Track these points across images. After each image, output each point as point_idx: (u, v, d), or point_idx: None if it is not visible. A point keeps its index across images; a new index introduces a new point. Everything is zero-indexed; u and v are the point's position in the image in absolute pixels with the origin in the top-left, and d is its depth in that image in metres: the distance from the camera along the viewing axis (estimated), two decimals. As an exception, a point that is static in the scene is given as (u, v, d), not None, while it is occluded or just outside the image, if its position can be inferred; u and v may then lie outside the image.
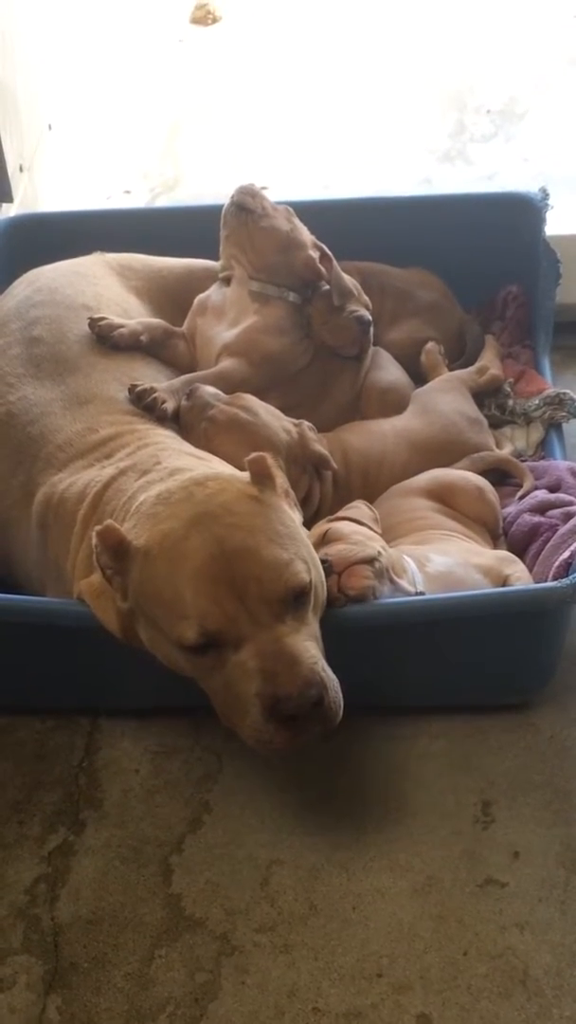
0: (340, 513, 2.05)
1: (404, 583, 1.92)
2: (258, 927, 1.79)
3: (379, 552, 1.91)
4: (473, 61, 3.67)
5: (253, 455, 1.83)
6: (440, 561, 1.99)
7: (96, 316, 2.25)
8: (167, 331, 2.37)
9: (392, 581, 1.91)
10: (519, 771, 1.96)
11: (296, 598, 1.72)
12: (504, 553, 2.08)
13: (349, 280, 2.46)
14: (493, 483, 2.28)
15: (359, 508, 2.06)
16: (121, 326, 2.26)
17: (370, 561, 1.89)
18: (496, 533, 2.21)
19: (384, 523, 2.12)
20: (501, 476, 2.32)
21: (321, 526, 1.98)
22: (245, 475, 1.83)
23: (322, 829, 1.90)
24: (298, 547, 1.77)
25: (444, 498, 2.19)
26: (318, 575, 1.81)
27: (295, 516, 1.85)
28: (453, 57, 3.70)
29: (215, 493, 1.78)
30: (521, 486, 2.29)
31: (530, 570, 2.08)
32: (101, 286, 2.39)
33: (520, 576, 2.02)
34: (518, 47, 3.72)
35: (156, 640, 1.78)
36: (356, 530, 1.96)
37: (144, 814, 1.95)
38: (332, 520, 2.01)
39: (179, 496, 1.79)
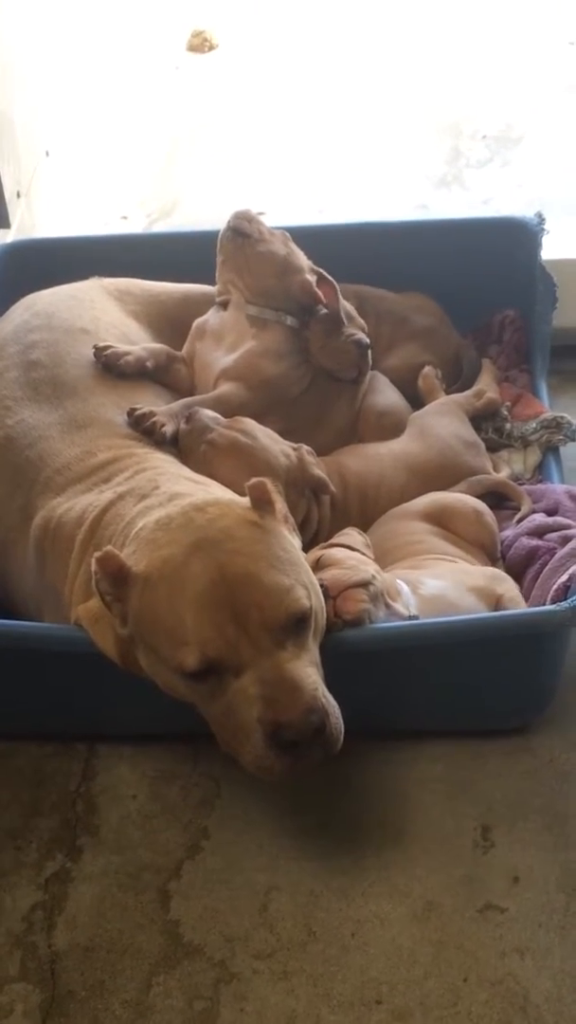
0: (333, 540, 2.05)
1: (399, 606, 1.92)
2: (257, 954, 1.78)
3: (373, 576, 1.91)
4: (469, 87, 3.70)
5: (253, 480, 1.83)
6: (433, 584, 1.99)
7: (101, 345, 2.25)
8: (170, 356, 2.38)
9: (387, 605, 1.91)
10: (518, 795, 1.95)
11: (297, 624, 1.71)
12: (494, 571, 2.08)
13: (345, 304, 2.47)
14: (491, 506, 2.28)
15: (351, 535, 2.06)
16: (127, 353, 2.26)
17: (364, 585, 1.88)
18: (494, 556, 2.21)
19: (381, 547, 2.12)
20: (499, 499, 2.32)
21: (314, 553, 1.98)
22: (245, 500, 1.83)
23: (320, 854, 1.89)
24: (299, 573, 1.76)
25: (442, 521, 2.19)
26: (318, 600, 1.81)
27: (295, 541, 1.84)
28: (449, 83, 3.72)
29: (215, 518, 1.77)
30: (519, 509, 2.29)
31: (528, 593, 2.08)
32: (98, 310, 2.39)
33: (512, 595, 2.01)
34: (514, 73, 3.74)
35: (156, 666, 1.77)
36: (349, 555, 1.96)
37: (141, 840, 1.94)
38: (325, 547, 2.01)
39: (179, 522, 1.79)
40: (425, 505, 2.22)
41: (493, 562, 2.20)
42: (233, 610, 1.69)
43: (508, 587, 2.03)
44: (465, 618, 1.91)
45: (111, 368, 2.24)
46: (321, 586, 1.84)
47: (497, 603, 1.97)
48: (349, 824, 1.93)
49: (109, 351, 2.24)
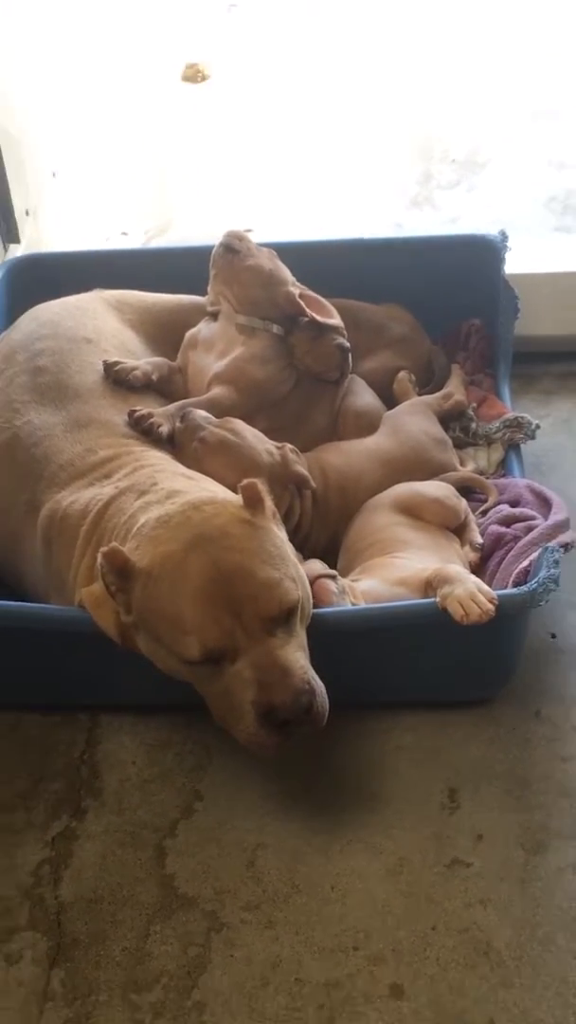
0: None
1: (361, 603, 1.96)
2: (245, 905, 1.79)
3: (337, 575, 1.97)
4: (439, 115, 3.69)
5: (245, 481, 1.84)
6: (364, 584, 2.01)
7: (111, 361, 2.25)
8: (171, 368, 2.39)
9: (351, 603, 1.94)
10: (483, 761, 1.96)
11: (286, 613, 1.73)
12: (440, 573, 1.96)
13: (333, 315, 2.47)
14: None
15: (313, 564, 2.05)
16: (135, 368, 2.27)
17: (332, 577, 1.94)
18: (465, 532, 2.21)
19: (356, 544, 2.17)
20: (467, 492, 2.33)
21: None
22: (237, 499, 1.84)
23: (303, 815, 1.90)
24: (287, 567, 1.78)
25: (409, 511, 2.21)
26: (304, 591, 1.83)
27: (283, 536, 1.85)
28: (421, 112, 3.72)
29: (211, 517, 1.79)
30: (485, 500, 2.30)
31: (493, 576, 2.09)
32: (100, 320, 2.39)
33: (444, 573, 1.93)
34: (480, 102, 3.73)
35: (157, 651, 1.79)
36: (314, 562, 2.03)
37: (140, 802, 1.95)
38: None
39: (178, 520, 1.80)
40: (393, 498, 2.23)
41: (463, 535, 2.21)
42: (229, 602, 1.70)
43: (448, 588, 1.90)
44: (429, 602, 1.90)
45: (121, 383, 2.24)
46: None
47: (427, 584, 1.95)
48: (329, 788, 1.94)
49: (119, 367, 2.25)
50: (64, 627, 1.93)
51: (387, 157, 3.53)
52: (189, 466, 2.11)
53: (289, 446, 2.23)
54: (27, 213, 2.93)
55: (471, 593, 1.86)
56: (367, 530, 2.19)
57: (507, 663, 2.04)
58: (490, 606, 1.84)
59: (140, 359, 2.34)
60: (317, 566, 2.03)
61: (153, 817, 1.92)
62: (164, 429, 2.18)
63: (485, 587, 1.89)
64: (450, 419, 2.48)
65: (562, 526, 2.10)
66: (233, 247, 2.42)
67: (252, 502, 1.82)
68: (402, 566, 2.06)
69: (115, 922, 1.79)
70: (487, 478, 2.37)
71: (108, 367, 2.25)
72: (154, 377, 2.31)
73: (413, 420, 2.42)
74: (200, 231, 3.11)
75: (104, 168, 3.58)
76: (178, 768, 1.99)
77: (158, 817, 1.92)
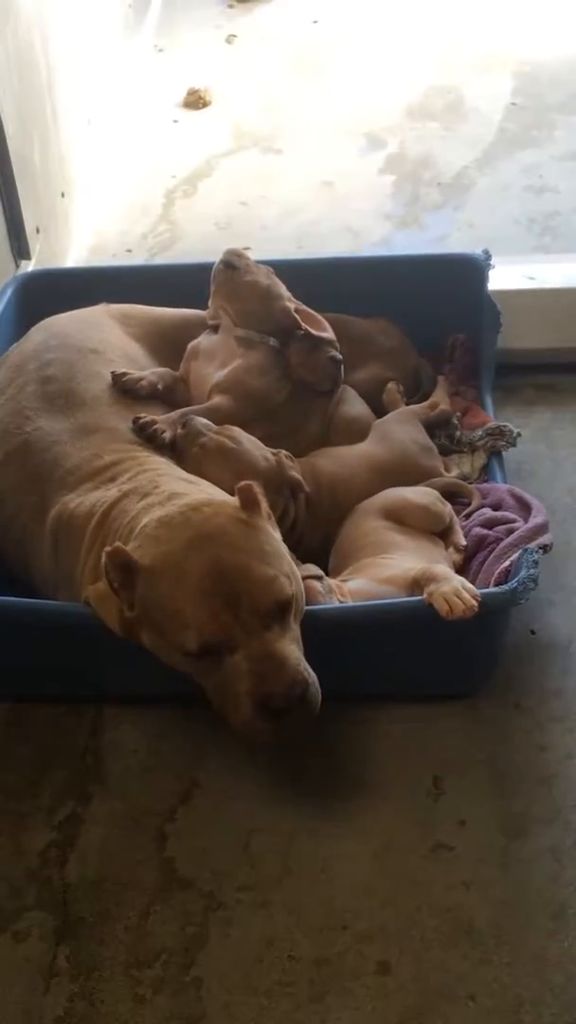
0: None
1: (349, 601, 1.95)
2: (240, 886, 1.79)
3: (324, 576, 1.96)
4: (425, 141, 3.69)
5: (242, 484, 1.83)
6: (352, 584, 2.01)
7: (119, 372, 2.25)
8: (175, 378, 2.38)
9: (339, 601, 1.94)
10: (466, 752, 1.95)
11: (281, 608, 1.73)
12: (427, 572, 1.96)
13: (326, 329, 2.47)
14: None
15: (309, 568, 2.04)
16: (141, 379, 2.26)
17: (319, 578, 1.93)
18: (450, 536, 2.21)
19: (347, 548, 2.17)
20: (451, 496, 2.32)
21: None
22: (235, 500, 1.83)
23: (295, 801, 1.90)
24: (282, 564, 1.77)
25: (396, 517, 2.20)
26: (298, 587, 1.82)
27: (277, 535, 1.85)
28: (409, 137, 3.72)
29: (210, 517, 1.78)
30: (468, 504, 2.29)
31: (475, 576, 2.08)
32: (106, 333, 2.39)
33: (431, 572, 1.93)
34: (464, 129, 3.74)
35: (159, 645, 1.78)
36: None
37: (142, 789, 1.94)
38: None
39: (178, 520, 1.79)
40: (381, 504, 2.22)
41: (448, 537, 2.20)
42: (227, 598, 1.70)
43: (434, 586, 1.90)
44: (416, 599, 1.90)
45: (129, 393, 2.23)
46: None
47: (414, 583, 1.95)
48: (320, 776, 1.93)
49: (127, 378, 2.24)
50: (71, 622, 1.92)
51: (377, 180, 3.53)
52: (190, 471, 2.11)
53: (284, 452, 2.23)
54: (37, 231, 2.92)
55: (456, 590, 1.85)
56: (357, 534, 2.18)
57: (489, 658, 2.03)
58: (474, 602, 1.83)
59: (145, 369, 2.33)
60: (307, 569, 2.02)
61: (154, 803, 1.91)
62: (167, 435, 2.17)
63: (469, 585, 1.88)
64: (436, 427, 2.47)
65: (541, 529, 2.10)
66: (233, 264, 2.42)
67: (248, 503, 1.82)
68: (390, 566, 2.05)
69: (118, 902, 1.78)
70: (470, 483, 2.36)
71: (116, 377, 2.24)
72: (159, 387, 2.30)
73: (401, 428, 2.42)
74: (201, 249, 3.11)
75: (110, 189, 3.58)
76: (178, 757, 1.98)
77: (158, 803, 1.91)
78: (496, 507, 2.24)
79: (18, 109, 2.81)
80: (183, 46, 4.35)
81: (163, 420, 2.20)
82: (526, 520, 2.15)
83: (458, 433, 2.47)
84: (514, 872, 1.78)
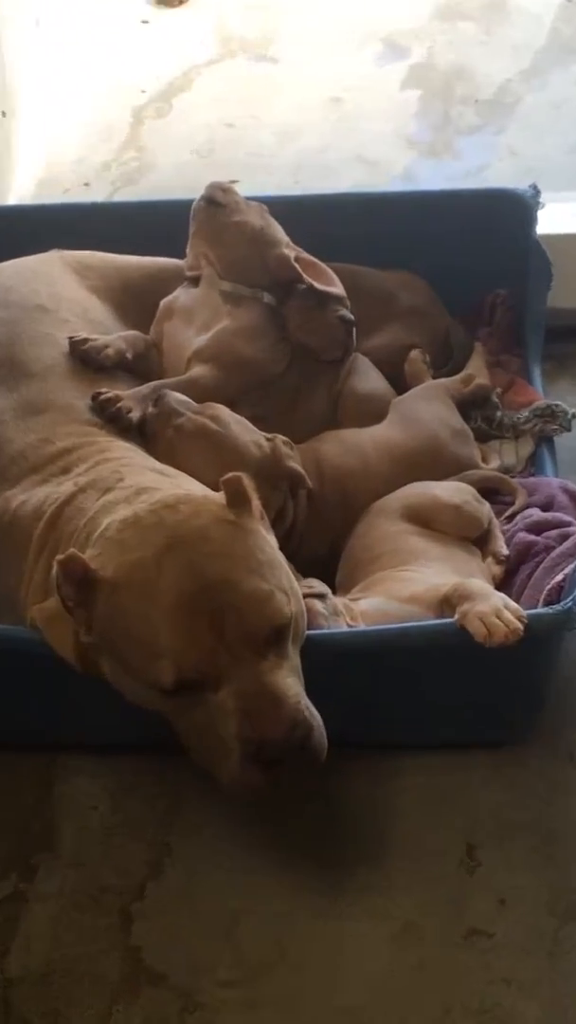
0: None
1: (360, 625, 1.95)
2: (223, 981, 1.78)
3: (327, 593, 1.96)
4: (458, 48, 3.69)
5: (228, 475, 1.82)
6: (365, 602, 2.01)
7: (78, 338, 2.24)
8: (147, 343, 2.38)
9: (348, 624, 1.94)
10: (506, 812, 1.95)
11: (278, 632, 1.72)
12: (460, 588, 1.96)
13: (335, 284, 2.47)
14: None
15: (313, 584, 2.05)
16: (106, 346, 2.26)
17: (321, 597, 1.93)
18: (488, 541, 2.21)
19: (359, 546, 2.17)
20: (489, 493, 2.32)
21: None
22: (219, 496, 1.82)
23: (292, 873, 1.89)
24: (279, 577, 1.76)
25: (421, 518, 2.19)
26: (298, 605, 1.80)
27: (272, 541, 1.84)
28: (438, 42, 3.71)
29: (188, 517, 1.77)
30: (511, 503, 2.29)
31: (521, 593, 2.08)
32: (58, 286, 2.38)
33: (463, 590, 1.93)
34: (508, 33, 3.73)
35: (122, 677, 1.77)
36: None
37: (102, 856, 1.93)
38: None
39: (149, 521, 1.77)
40: (402, 503, 2.22)
41: (485, 546, 2.21)
42: (210, 619, 1.68)
43: (467, 605, 1.91)
44: (447, 622, 1.89)
45: (90, 363, 2.23)
46: None
47: (444, 601, 1.95)
48: (325, 840, 1.93)
49: (88, 345, 2.24)
50: (12, 649, 1.92)
51: (396, 95, 3.53)
52: (162, 459, 2.11)
53: (281, 437, 2.22)
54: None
55: (496, 609, 1.85)
56: (371, 539, 2.18)
57: (535, 696, 2.03)
58: (518, 624, 1.83)
59: (109, 333, 2.33)
60: (308, 584, 2.02)
61: (116, 875, 1.91)
62: (134, 415, 2.17)
63: (513, 604, 1.88)
64: (471, 407, 2.48)
65: (603, 534, 2.11)
66: (216, 200, 2.42)
67: (236, 500, 1.81)
68: (413, 580, 2.05)
69: (71, 1001, 1.77)
70: (514, 477, 2.37)
71: (75, 345, 2.24)
72: (129, 355, 2.30)
73: (427, 407, 2.42)
74: (177, 183, 3.11)
75: (64, 107, 3.58)
76: (147, 815, 1.98)
77: (123, 876, 1.91)
78: (546, 507, 2.24)
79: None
80: None
81: (130, 396, 2.19)
82: (583, 523, 2.16)
83: (499, 414, 2.47)
84: (566, 964, 1.78)
